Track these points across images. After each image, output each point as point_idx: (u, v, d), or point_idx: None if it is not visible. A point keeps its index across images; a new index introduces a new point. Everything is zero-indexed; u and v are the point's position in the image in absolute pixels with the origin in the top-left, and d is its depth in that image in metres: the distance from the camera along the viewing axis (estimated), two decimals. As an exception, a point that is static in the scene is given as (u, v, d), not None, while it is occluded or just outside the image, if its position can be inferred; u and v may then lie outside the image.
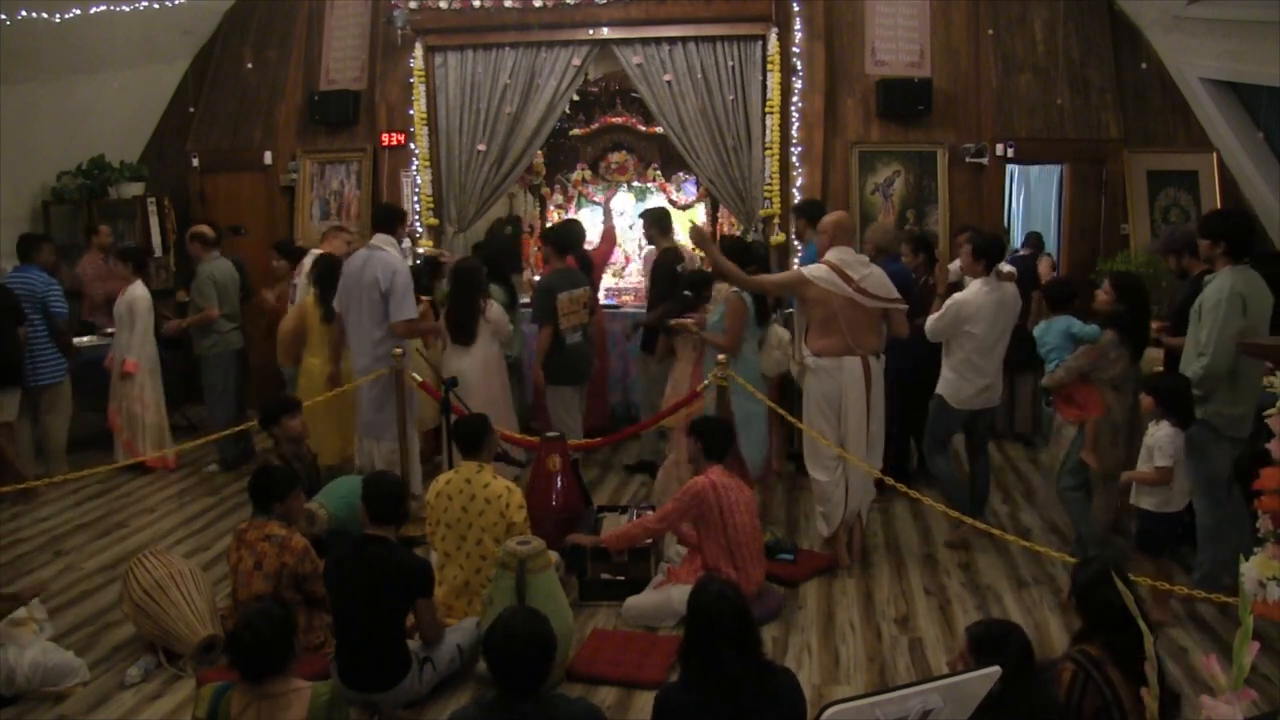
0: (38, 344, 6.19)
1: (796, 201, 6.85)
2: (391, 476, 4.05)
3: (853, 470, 4.92)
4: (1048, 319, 5.08)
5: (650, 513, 5.00)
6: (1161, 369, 5.14)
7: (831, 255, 4.84)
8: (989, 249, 5.08)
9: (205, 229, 6.85)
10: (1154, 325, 5.10)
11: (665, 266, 6.38)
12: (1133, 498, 4.36)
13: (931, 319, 5.10)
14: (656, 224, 6.54)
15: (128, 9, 6.71)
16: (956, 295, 5.10)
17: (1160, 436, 4.18)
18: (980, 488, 5.41)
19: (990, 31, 7.20)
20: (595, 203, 8.30)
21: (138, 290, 6.58)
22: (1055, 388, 4.87)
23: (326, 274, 5.82)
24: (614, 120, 8.04)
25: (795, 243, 7.01)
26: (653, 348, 6.22)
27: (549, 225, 7.62)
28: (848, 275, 4.75)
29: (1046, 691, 2.64)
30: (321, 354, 5.83)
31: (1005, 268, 5.19)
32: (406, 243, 7.14)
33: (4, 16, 6.04)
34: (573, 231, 6.58)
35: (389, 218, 5.72)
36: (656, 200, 8.31)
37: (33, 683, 3.80)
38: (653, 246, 6.99)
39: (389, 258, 5.42)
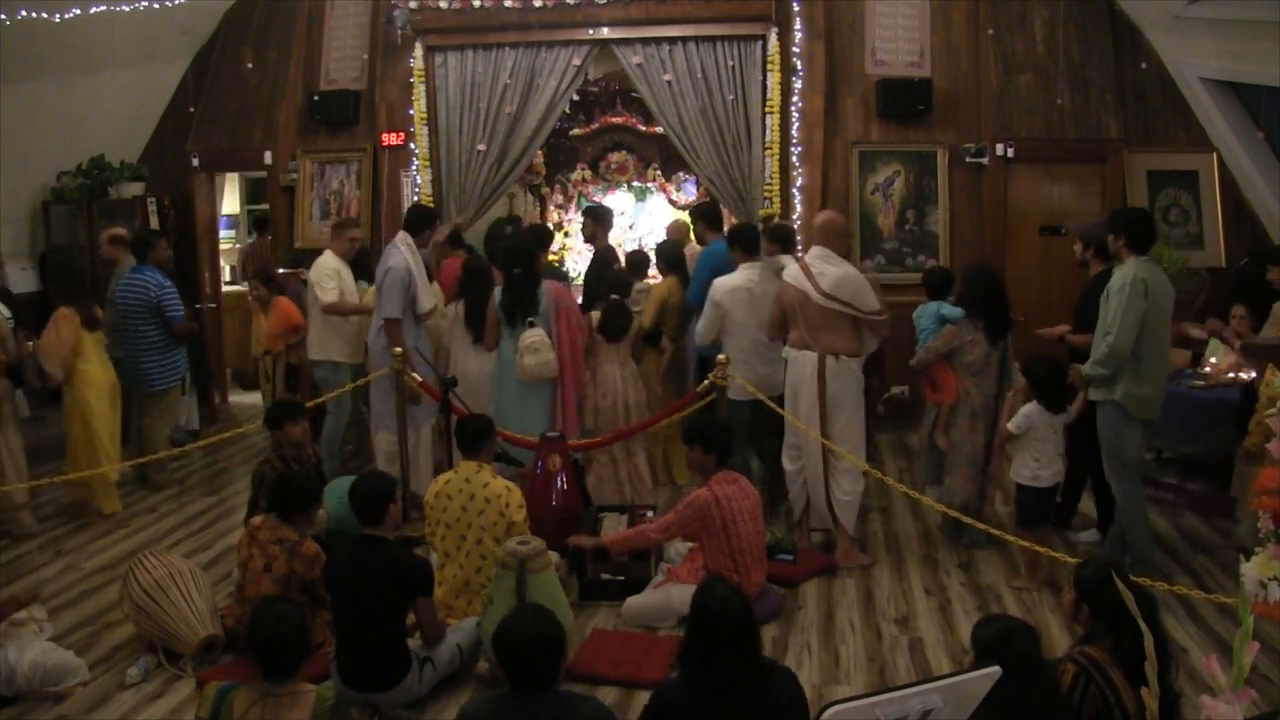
0: (150, 349, 6.05)
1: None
2: (380, 477, 4.00)
3: (808, 464, 4.96)
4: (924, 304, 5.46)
5: (650, 514, 5.02)
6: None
7: (809, 253, 4.95)
8: (739, 237, 5.44)
9: (123, 231, 6.70)
10: (1060, 328, 5.29)
11: (602, 265, 6.39)
12: (1010, 472, 4.77)
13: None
14: (600, 222, 6.56)
15: (128, 9, 6.69)
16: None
17: (1021, 409, 4.62)
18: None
19: (990, 31, 7.20)
20: (595, 202, 8.31)
21: None
22: (919, 368, 5.16)
23: (65, 277, 5.76)
24: (614, 120, 8.06)
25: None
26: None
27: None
28: (810, 273, 4.84)
29: (1053, 689, 2.64)
30: (96, 359, 5.74)
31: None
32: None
33: (4, 16, 6.03)
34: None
35: (412, 218, 5.83)
36: (657, 200, 8.33)
37: (33, 683, 3.80)
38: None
39: (390, 254, 5.56)
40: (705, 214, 6.41)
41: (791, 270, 4.95)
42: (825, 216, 5.12)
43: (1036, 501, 4.67)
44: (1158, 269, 4.61)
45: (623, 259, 6.76)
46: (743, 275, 5.31)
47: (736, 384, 5.20)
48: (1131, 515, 4.62)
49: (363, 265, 6.25)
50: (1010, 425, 4.64)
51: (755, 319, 5.24)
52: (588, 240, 6.79)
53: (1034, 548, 4.38)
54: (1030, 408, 4.60)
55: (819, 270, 4.84)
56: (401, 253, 5.56)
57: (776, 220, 6.83)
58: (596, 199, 8.28)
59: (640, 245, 8.01)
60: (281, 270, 7.15)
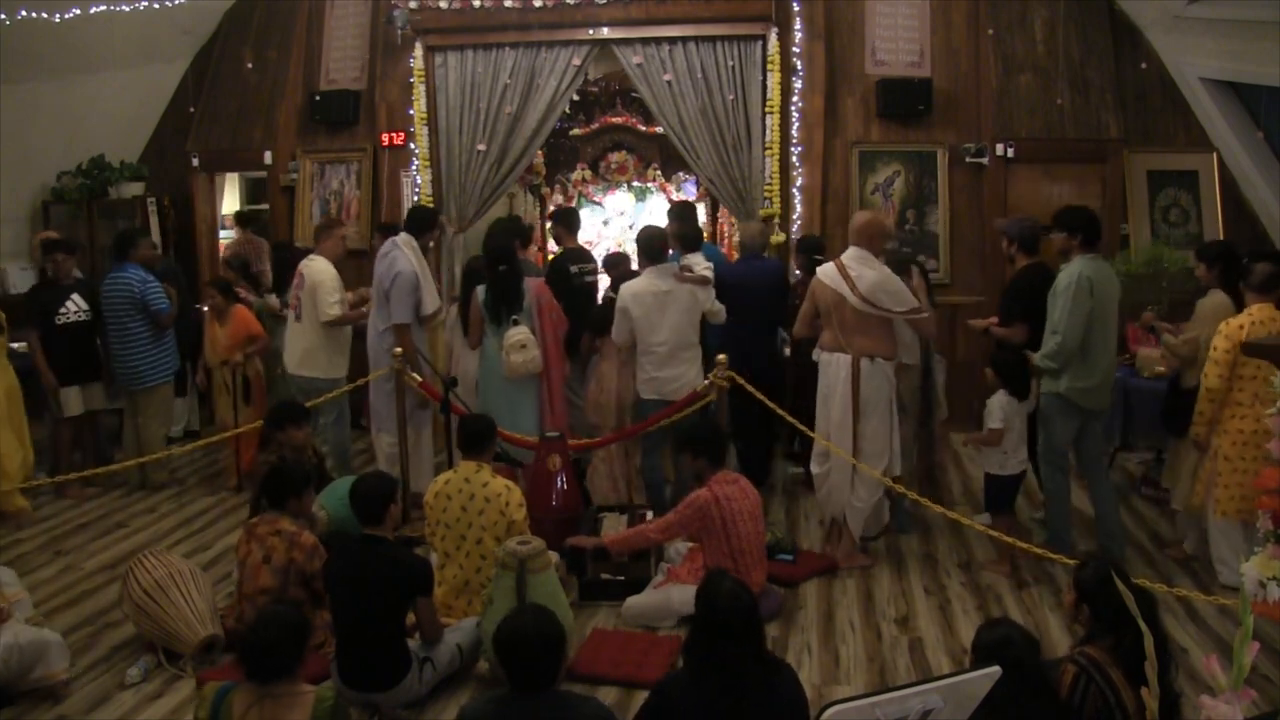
0: (139, 346, 6.10)
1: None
2: (380, 477, 4.02)
3: (834, 469, 4.94)
4: None
5: (650, 514, 5.02)
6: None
7: (845, 254, 4.89)
8: (644, 245, 5.47)
9: (56, 234, 6.65)
10: (989, 320, 5.33)
11: (561, 267, 6.39)
12: (981, 462, 4.94)
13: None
14: (563, 225, 6.52)
15: (128, 9, 6.70)
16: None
17: (992, 403, 4.75)
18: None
19: (990, 31, 7.20)
20: (595, 202, 8.31)
21: None
22: None
23: None
24: (614, 120, 8.04)
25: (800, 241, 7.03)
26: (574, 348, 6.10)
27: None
28: (847, 274, 4.78)
29: (1053, 690, 2.65)
30: None
31: (698, 269, 5.42)
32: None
33: (4, 16, 6.03)
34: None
35: (412, 220, 5.82)
36: (657, 200, 8.32)
37: (10, 665, 3.69)
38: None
39: (397, 258, 5.56)
40: (681, 213, 6.35)
41: (827, 270, 4.88)
42: (866, 217, 4.98)
43: (1000, 489, 4.83)
44: (1104, 266, 4.77)
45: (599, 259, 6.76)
46: (646, 280, 5.33)
47: (644, 382, 5.34)
48: (1054, 497, 4.85)
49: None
50: (992, 423, 4.72)
51: (662, 320, 5.26)
52: (558, 243, 6.79)
53: (993, 532, 4.61)
54: (1000, 399, 4.73)
55: (856, 273, 4.77)
56: (408, 255, 5.57)
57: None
58: (597, 199, 8.28)
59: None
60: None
